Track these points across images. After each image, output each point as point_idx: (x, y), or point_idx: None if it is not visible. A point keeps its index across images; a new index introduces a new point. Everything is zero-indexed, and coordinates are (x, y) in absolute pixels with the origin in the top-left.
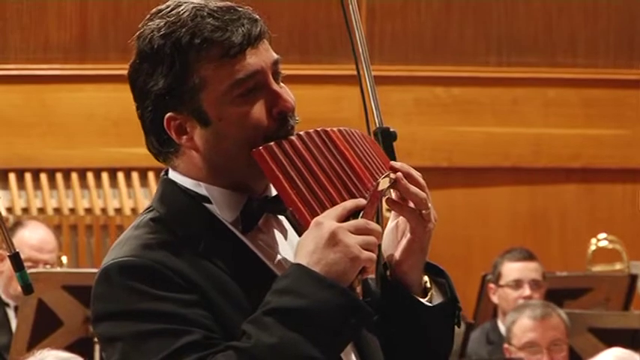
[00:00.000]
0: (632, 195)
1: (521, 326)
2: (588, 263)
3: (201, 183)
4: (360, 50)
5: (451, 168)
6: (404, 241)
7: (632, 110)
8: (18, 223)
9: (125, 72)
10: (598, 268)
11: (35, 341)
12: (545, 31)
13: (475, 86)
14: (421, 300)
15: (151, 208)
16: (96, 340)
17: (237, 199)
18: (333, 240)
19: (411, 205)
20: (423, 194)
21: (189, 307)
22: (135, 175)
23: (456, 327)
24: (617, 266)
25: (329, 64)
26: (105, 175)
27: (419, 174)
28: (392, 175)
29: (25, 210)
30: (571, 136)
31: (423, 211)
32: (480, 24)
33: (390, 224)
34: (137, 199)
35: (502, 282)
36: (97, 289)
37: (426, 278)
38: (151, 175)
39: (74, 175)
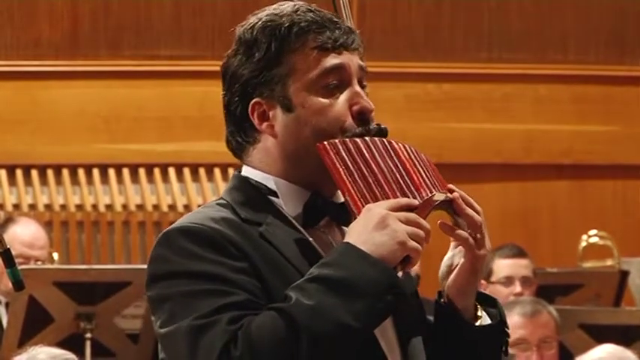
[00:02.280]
0: (623, 191)
1: (511, 323)
2: (579, 259)
3: (270, 176)
4: None
5: (441, 164)
6: (457, 267)
7: (623, 106)
8: (9, 220)
9: (116, 68)
10: (589, 265)
11: (26, 338)
12: (535, 28)
13: (466, 82)
14: (468, 322)
15: (219, 198)
16: (86, 336)
17: (303, 195)
18: (382, 223)
19: (462, 232)
20: (478, 218)
21: (239, 274)
22: (126, 172)
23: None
24: (608, 262)
25: None
26: (96, 172)
27: (475, 202)
28: (449, 195)
29: (16, 206)
30: (562, 132)
31: (477, 235)
32: (470, 20)
33: (448, 254)
34: (128, 195)
35: (493, 279)
36: (155, 250)
37: (478, 306)
38: (141, 171)
39: (65, 172)
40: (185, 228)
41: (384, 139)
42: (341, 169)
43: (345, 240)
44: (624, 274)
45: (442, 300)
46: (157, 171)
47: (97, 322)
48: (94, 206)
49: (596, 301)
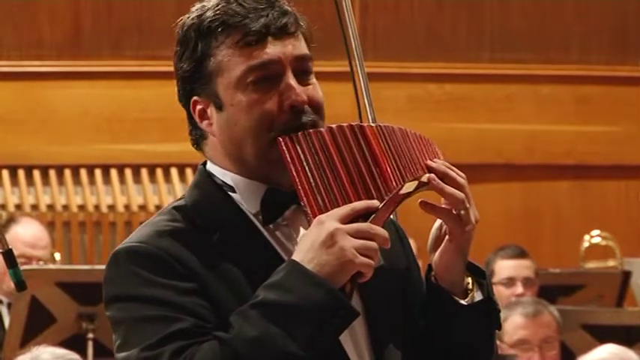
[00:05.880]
0: (625, 191)
1: (513, 324)
2: (581, 260)
3: (227, 172)
4: (354, 46)
5: None
6: (443, 242)
7: (625, 107)
8: (11, 220)
9: (118, 69)
10: (591, 265)
11: (28, 338)
12: (538, 28)
13: (468, 83)
14: (458, 299)
15: (181, 197)
16: (88, 336)
17: (261, 189)
18: (329, 241)
19: (447, 206)
20: (460, 195)
21: (186, 296)
22: (128, 172)
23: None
24: (611, 263)
25: (321, 60)
26: (98, 172)
27: (459, 173)
28: (424, 178)
29: (18, 207)
30: (564, 132)
31: (462, 212)
32: (472, 20)
33: (437, 223)
34: (130, 195)
35: (495, 279)
36: (106, 272)
37: (469, 280)
38: (144, 171)
39: (67, 172)
40: (132, 249)
41: (354, 125)
42: (299, 169)
43: (293, 256)
44: (626, 275)
45: (432, 274)
46: (159, 171)
47: (99, 322)
48: (96, 207)
49: (598, 301)
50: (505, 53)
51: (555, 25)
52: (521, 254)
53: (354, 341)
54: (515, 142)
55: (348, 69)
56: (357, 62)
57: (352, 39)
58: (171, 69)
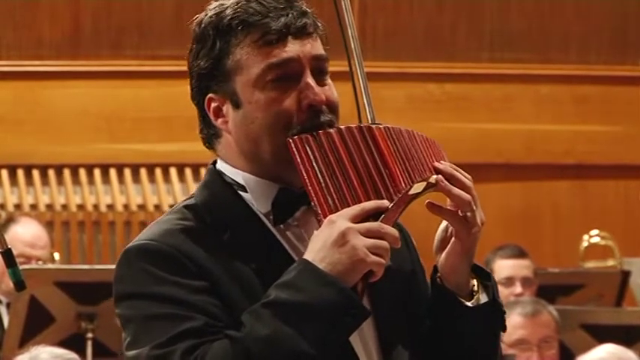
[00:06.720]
0: (625, 191)
1: (512, 323)
2: (581, 259)
3: (239, 171)
4: (353, 46)
5: None
6: (449, 244)
7: (625, 106)
8: (10, 220)
9: (117, 69)
10: (590, 265)
11: (27, 338)
12: (537, 28)
13: (467, 82)
14: (463, 301)
15: (191, 195)
16: (88, 336)
17: (272, 189)
18: (341, 240)
19: (453, 207)
20: (466, 196)
21: (198, 294)
22: (127, 172)
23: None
24: (610, 262)
25: None
26: (97, 172)
27: (465, 175)
28: (432, 179)
29: (18, 206)
30: (563, 132)
31: (468, 214)
32: (472, 20)
33: (442, 225)
34: (129, 195)
35: None
36: (117, 270)
37: (474, 282)
38: (143, 171)
39: (66, 172)
40: (143, 247)
41: (363, 127)
42: (309, 170)
43: (304, 255)
44: (626, 274)
45: (438, 276)
46: (158, 171)
47: (98, 322)
48: (96, 206)
49: (597, 301)
50: (504, 53)
51: (555, 25)
52: (520, 254)
53: (363, 342)
54: (514, 141)
55: (347, 69)
56: (357, 62)
57: (351, 39)
58: (171, 69)
